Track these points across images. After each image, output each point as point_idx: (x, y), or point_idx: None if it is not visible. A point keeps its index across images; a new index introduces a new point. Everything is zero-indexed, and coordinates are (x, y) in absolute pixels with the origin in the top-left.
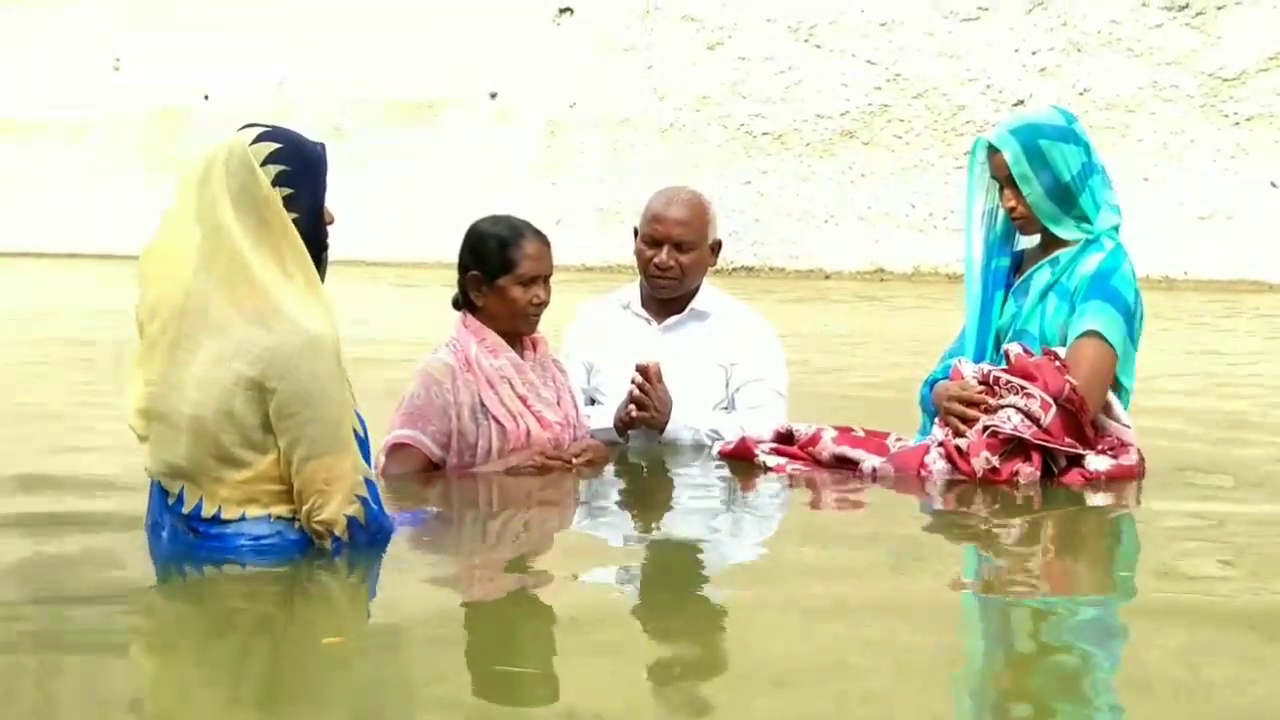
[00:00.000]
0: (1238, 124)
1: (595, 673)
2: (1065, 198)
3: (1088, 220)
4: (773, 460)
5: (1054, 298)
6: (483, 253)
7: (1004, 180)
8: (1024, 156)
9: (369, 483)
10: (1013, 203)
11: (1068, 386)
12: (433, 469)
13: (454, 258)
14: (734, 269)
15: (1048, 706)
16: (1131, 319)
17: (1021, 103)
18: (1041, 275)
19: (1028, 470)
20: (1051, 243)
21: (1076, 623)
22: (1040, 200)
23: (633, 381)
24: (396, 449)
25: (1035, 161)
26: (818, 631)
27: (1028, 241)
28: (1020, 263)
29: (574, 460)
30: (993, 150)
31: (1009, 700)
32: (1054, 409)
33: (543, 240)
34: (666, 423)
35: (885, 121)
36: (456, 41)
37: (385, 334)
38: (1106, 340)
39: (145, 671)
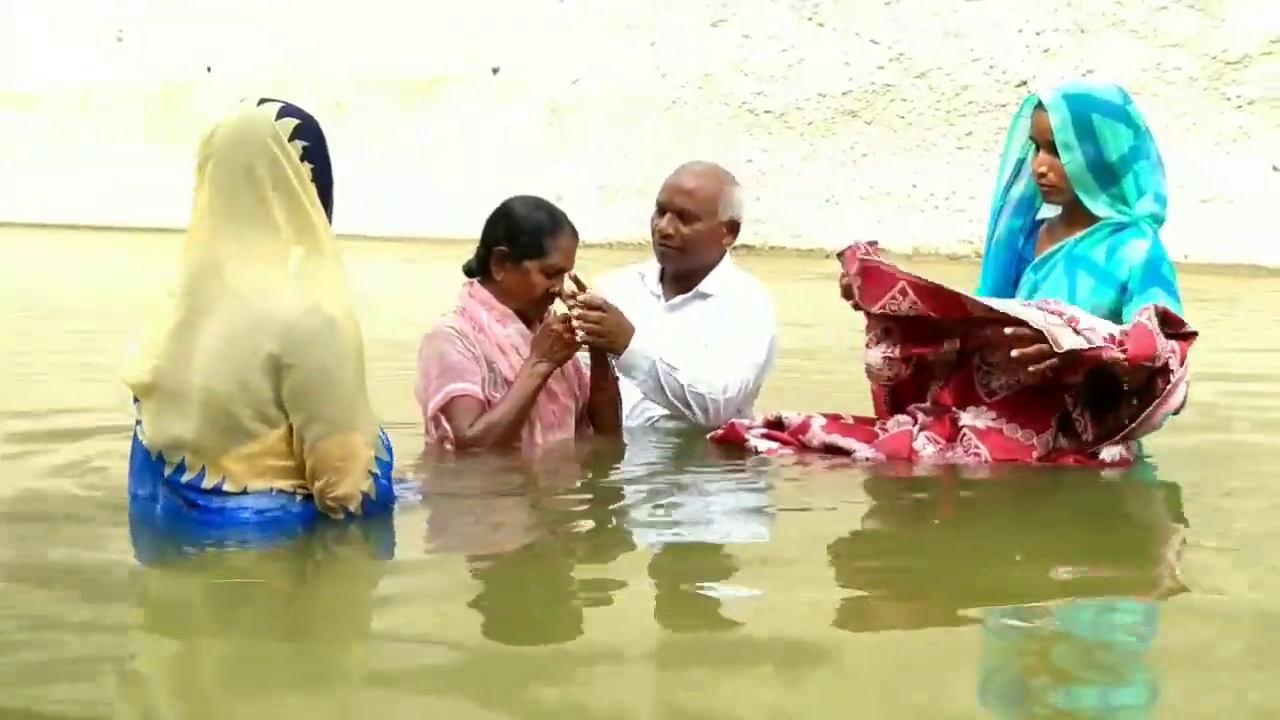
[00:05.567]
0: (1240, 107)
1: (591, 626)
2: (1107, 175)
3: (1125, 203)
4: (764, 444)
5: (1089, 277)
6: (517, 232)
7: (1043, 145)
8: (1070, 125)
9: (380, 460)
10: (1044, 168)
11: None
12: None
13: (458, 232)
14: (734, 248)
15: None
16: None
17: (1025, 84)
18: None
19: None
20: (1077, 218)
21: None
22: (1080, 172)
23: (567, 296)
24: (456, 402)
25: (1081, 133)
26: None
27: (1048, 211)
28: (1034, 229)
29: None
30: (1038, 110)
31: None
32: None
33: (575, 236)
34: (625, 345)
35: (888, 101)
36: (459, 17)
37: (393, 311)
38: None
39: (141, 663)
